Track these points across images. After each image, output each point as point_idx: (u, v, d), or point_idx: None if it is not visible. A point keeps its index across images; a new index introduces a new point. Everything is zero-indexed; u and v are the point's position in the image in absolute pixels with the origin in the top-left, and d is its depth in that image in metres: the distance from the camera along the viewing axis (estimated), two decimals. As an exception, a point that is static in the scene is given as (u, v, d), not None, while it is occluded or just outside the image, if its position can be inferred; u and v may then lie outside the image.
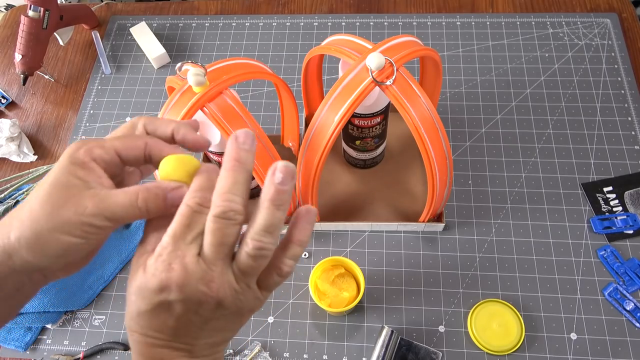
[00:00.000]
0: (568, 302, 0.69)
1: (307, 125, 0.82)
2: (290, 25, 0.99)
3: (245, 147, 0.30)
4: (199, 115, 0.57)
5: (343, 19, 0.99)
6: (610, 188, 0.77)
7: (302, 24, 0.99)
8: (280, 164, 0.29)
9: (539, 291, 0.70)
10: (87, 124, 0.90)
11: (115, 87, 0.94)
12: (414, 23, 0.97)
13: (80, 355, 0.69)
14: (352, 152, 0.76)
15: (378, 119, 0.67)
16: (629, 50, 0.90)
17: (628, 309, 0.68)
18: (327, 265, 0.69)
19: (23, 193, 0.79)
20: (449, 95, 0.88)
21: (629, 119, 0.83)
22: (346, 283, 0.68)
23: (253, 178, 0.58)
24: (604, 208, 0.75)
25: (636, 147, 0.80)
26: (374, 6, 1.00)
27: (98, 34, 1.00)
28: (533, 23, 0.95)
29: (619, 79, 0.87)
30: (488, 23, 0.95)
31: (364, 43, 0.58)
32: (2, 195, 0.79)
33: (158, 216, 0.32)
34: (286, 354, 0.69)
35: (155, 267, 0.29)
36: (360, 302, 0.66)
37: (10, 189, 0.79)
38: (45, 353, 0.71)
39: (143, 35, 0.96)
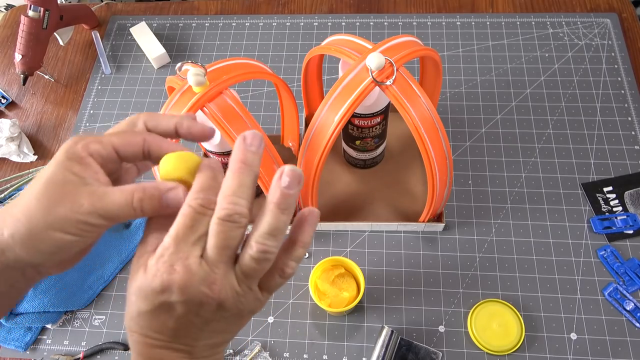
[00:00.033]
0: (568, 302, 0.69)
1: (307, 125, 0.82)
2: (290, 25, 0.99)
3: (252, 149, 0.30)
4: (199, 115, 0.57)
5: (343, 19, 0.99)
6: (610, 188, 0.77)
7: (302, 24, 0.99)
8: (288, 168, 0.29)
9: (539, 291, 0.70)
10: (87, 124, 0.90)
11: (115, 87, 0.94)
12: (414, 23, 0.97)
13: (80, 355, 0.69)
14: (352, 152, 0.76)
15: (378, 119, 0.67)
16: (629, 50, 0.90)
17: (628, 309, 0.68)
18: (327, 265, 0.69)
19: (23, 193, 0.79)
20: (449, 95, 0.88)
21: (629, 119, 0.83)
22: (346, 283, 0.68)
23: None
24: (604, 208, 0.75)
25: (636, 147, 0.80)
26: (374, 6, 1.00)
27: (98, 34, 1.00)
28: (533, 23, 0.95)
29: (619, 79, 0.87)
30: (488, 23, 0.95)
31: (364, 43, 0.58)
32: (2, 195, 0.79)
33: (159, 215, 0.32)
34: (286, 354, 0.69)
35: (156, 268, 0.29)
36: (360, 302, 0.66)
37: (11, 189, 0.79)
38: (45, 353, 0.71)
39: (143, 35, 0.96)
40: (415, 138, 0.56)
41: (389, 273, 0.73)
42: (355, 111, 0.63)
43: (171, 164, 0.31)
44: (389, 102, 0.66)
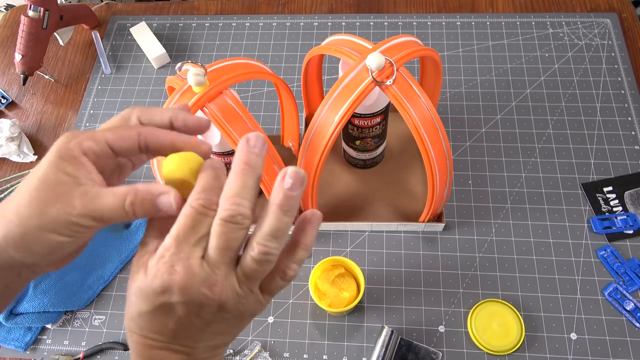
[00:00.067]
0: (568, 302, 0.69)
1: (307, 125, 0.82)
2: (290, 25, 0.98)
3: (255, 150, 0.30)
4: (199, 116, 0.57)
5: (343, 19, 0.99)
6: (610, 188, 0.77)
7: (302, 24, 0.99)
8: (291, 170, 0.29)
9: (539, 291, 0.70)
10: (87, 124, 0.90)
11: (115, 87, 0.94)
12: (414, 23, 0.97)
13: (80, 355, 0.69)
14: (352, 152, 0.76)
15: (378, 119, 0.67)
16: (629, 50, 0.90)
17: (628, 309, 0.68)
18: (327, 265, 0.69)
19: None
20: (449, 95, 0.88)
21: (629, 119, 0.83)
22: (346, 283, 0.68)
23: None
24: (604, 208, 0.75)
25: (636, 147, 0.80)
26: (374, 6, 1.00)
27: (98, 34, 1.00)
28: (533, 23, 0.95)
29: (619, 79, 0.87)
30: (488, 23, 0.95)
31: (364, 43, 0.58)
32: (2, 195, 0.79)
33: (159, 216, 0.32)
34: (286, 354, 0.69)
35: (157, 269, 0.28)
36: (360, 302, 0.66)
37: (10, 189, 0.79)
38: (45, 353, 0.71)
39: (143, 35, 0.96)
40: (415, 138, 0.56)
41: (389, 273, 0.73)
42: (355, 111, 0.63)
43: (174, 164, 0.31)
44: (389, 102, 0.66)
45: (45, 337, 0.72)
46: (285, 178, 0.29)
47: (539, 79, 0.88)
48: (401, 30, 0.96)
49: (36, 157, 0.87)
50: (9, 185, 0.80)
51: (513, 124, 0.84)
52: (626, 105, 0.84)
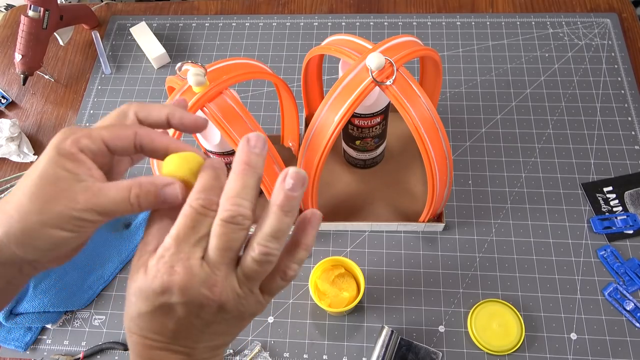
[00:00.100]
0: (568, 302, 0.69)
1: (307, 125, 0.82)
2: (290, 25, 0.98)
3: (256, 150, 0.30)
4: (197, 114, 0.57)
5: (343, 19, 0.99)
6: (610, 188, 0.77)
7: (302, 24, 0.99)
8: (292, 170, 0.29)
9: (539, 291, 0.70)
10: (87, 124, 0.90)
11: (115, 87, 0.94)
12: (414, 23, 0.97)
13: (80, 355, 0.69)
14: (352, 152, 0.76)
15: (378, 119, 0.67)
16: (629, 50, 0.90)
17: (628, 309, 0.68)
18: (327, 265, 0.69)
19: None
20: (449, 95, 0.88)
21: (629, 119, 0.83)
22: (346, 283, 0.68)
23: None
24: (604, 208, 0.75)
25: (636, 147, 0.80)
26: (374, 6, 1.00)
27: (98, 34, 1.00)
28: (533, 23, 0.95)
29: (619, 79, 0.87)
30: (488, 23, 0.95)
31: (364, 43, 0.58)
32: (2, 195, 0.79)
33: (159, 215, 0.31)
34: (286, 354, 0.69)
35: (157, 269, 0.28)
36: (360, 302, 0.66)
37: (11, 189, 0.79)
38: (45, 353, 0.71)
39: (143, 35, 0.96)
40: (415, 138, 0.56)
41: (389, 273, 0.73)
42: (355, 111, 0.63)
43: (174, 164, 0.31)
44: (389, 102, 0.66)
45: (45, 337, 0.72)
46: (287, 179, 0.29)
47: (539, 79, 0.88)
48: (401, 30, 0.96)
49: (36, 157, 0.87)
50: (9, 185, 0.80)
51: (513, 124, 0.84)
52: (626, 105, 0.84)
